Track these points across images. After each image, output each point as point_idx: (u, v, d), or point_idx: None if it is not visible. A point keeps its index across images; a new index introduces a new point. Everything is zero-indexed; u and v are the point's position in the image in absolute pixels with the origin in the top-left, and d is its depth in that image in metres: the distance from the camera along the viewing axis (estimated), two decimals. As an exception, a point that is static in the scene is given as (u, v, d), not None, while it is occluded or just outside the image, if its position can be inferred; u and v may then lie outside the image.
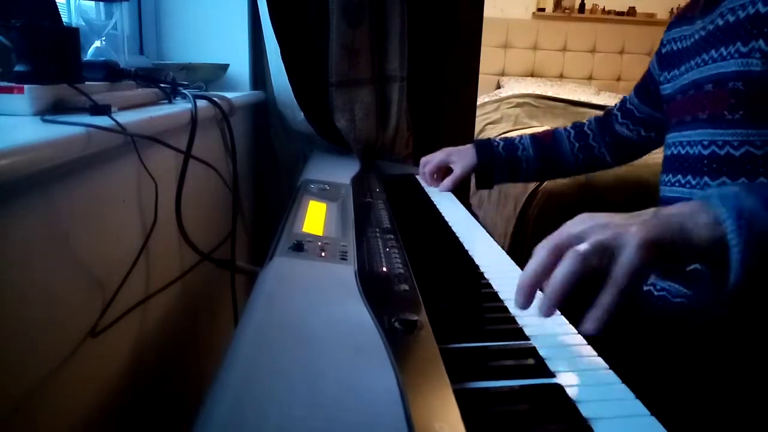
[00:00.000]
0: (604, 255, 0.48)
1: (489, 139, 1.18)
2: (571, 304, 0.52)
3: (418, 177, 1.25)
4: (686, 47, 0.86)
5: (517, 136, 1.18)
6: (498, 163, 1.15)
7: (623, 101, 1.11)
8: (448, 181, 1.15)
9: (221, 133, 1.10)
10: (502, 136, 1.68)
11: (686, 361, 0.70)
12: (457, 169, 1.15)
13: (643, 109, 1.06)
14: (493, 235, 0.86)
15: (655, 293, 0.82)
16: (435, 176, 1.19)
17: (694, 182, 0.79)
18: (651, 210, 0.51)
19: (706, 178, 0.77)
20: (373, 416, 0.32)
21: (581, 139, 1.15)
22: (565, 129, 1.18)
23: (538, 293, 0.51)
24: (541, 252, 0.51)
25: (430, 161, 1.19)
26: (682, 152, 0.81)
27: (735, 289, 0.47)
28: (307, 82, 1.27)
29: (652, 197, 0.87)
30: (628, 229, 0.48)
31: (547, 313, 0.49)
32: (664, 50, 0.94)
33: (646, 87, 1.03)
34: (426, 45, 1.51)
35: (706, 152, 0.77)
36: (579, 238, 0.49)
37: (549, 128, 1.20)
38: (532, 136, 1.17)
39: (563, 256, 0.49)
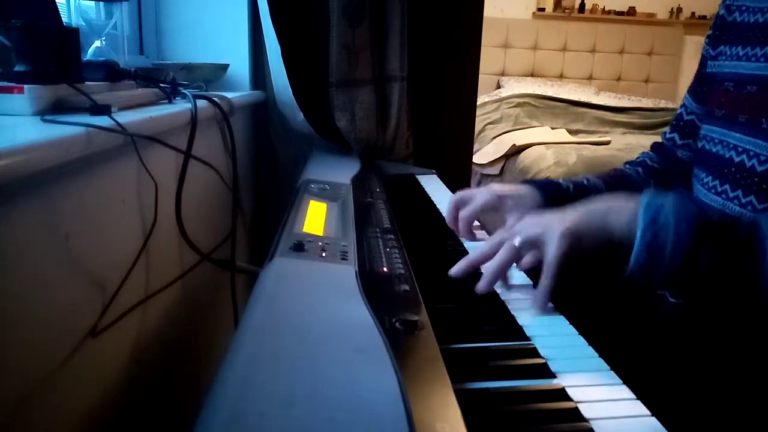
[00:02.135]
0: (534, 247, 0.58)
1: (550, 179, 0.88)
2: (573, 306, 0.54)
3: (418, 177, 1.25)
4: (749, 24, 0.72)
5: (582, 176, 0.89)
6: None
7: (678, 118, 0.90)
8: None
9: (221, 133, 1.10)
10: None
11: (693, 365, 0.69)
12: (514, 220, 0.79)
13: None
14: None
15: (671, 299, 0.79)
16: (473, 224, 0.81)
17: (743, 198, 0.68)
18: (584, 202, 0.60)
19: (752, 197, 0.66)
20: (373, 416, 0.32)
21: (653, 176, 0.92)
22: (628, 168, 0.95)
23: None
24: (486, 243, 0.62)
25: (471, 203, 0.80)
26: (726, 155, 0.70)
27: (628, 276, 0.55)
28: (307, 81, 1.27)
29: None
30: (553, 223, 0.57)
31: (482, 290, 0.59)
32: (719, 21, 0.79)
33: (703, 81, 0.84)
34: (426, 45, 1.51)
35: (760, 168, 0.65)
36: (514, 234, 0.59)
37: (610, 170, 0.94)
38: (601, 177, 0.90)
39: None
